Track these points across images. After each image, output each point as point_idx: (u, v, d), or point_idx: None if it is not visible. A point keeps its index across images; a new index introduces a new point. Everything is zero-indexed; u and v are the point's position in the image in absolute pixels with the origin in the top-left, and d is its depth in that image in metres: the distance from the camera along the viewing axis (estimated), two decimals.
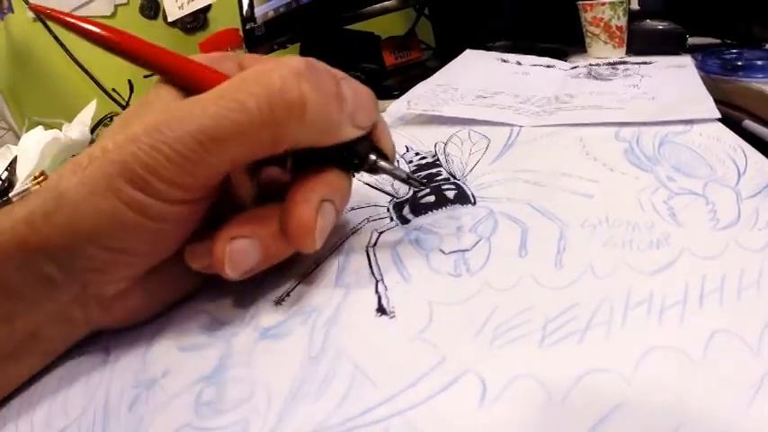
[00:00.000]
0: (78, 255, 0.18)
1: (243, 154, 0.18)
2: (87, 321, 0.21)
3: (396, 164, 0.23)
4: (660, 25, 0.54)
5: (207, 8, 1.06)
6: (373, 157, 0.21)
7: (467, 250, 0.22)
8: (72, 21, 0.20)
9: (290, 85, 0.18)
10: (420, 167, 0.32)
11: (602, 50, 0.55)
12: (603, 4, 0.53)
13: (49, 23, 1.08)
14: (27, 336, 0.19)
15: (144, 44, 0.21)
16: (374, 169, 0.22)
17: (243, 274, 0.20)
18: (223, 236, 0.19)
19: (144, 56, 0.20)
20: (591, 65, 0.51)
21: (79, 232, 0.17)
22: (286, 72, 0.18)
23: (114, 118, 0.82)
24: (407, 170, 0.23)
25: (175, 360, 0.20)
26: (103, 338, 0.23)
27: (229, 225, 0.20)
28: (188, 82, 0.20)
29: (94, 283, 0.19)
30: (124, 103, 0.81)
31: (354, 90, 0.20)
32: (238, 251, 0.19)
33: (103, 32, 0.20)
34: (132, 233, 0.18)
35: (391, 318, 0.20)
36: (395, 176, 0.22)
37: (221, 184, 0.20)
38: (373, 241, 0.24)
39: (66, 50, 1.09)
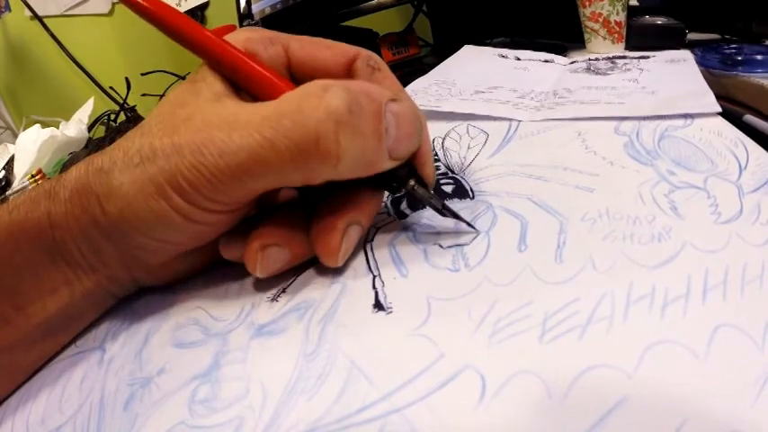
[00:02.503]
0: (128, 238, 0.20)
1: (275, 185, 0.19)
2: (134, 281, 0.23)
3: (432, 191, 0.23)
4: (659, 21, 0.54)
5: (205, 5, 1.06)
6: (412, 182, 0.21)
7: (465, 245, 0.22)
8: None
9: (326, 136, 0.18)
10: None
11: (602, 46, 0.54)
12: None
13: (46, 21, 1.07)
14: (84, 296, 0.22)
15: (193, 26, 0.21)
16: (411, 194, 0.22)
17: (271, 274, 0.22)
18: (256, 243, 0.21)
19: (190, 39, 0.21)
20: (590, 59, 0.50)
21: (130, 223, 0.19)
22: (325, 117, 0.17)
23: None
24: (443, 200, 0.22)
25: (171, 358, 0.20)
26: (99, 336, 0.23)
27: (261, 232, 0.21)
28: (232, 75, 0.21)
29: (140, 257, 0.21)
30: (121, 101, 0.80)
31: (398, 118, 0.20)
32: (269, 257, 0.21)
33: (146, 4, 0.22)
34: (176, 231, 0.20)
35: (388, 313, 0.19)
36: (430, 205, 0.22)
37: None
38: (370, 236, 0.24)
39: (64, 48, 1.08)
